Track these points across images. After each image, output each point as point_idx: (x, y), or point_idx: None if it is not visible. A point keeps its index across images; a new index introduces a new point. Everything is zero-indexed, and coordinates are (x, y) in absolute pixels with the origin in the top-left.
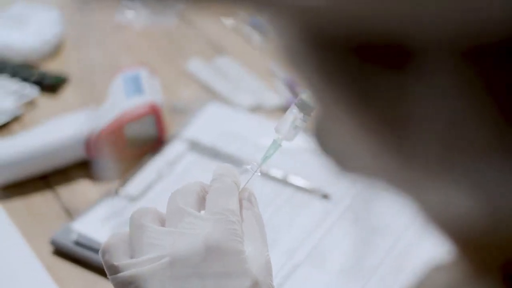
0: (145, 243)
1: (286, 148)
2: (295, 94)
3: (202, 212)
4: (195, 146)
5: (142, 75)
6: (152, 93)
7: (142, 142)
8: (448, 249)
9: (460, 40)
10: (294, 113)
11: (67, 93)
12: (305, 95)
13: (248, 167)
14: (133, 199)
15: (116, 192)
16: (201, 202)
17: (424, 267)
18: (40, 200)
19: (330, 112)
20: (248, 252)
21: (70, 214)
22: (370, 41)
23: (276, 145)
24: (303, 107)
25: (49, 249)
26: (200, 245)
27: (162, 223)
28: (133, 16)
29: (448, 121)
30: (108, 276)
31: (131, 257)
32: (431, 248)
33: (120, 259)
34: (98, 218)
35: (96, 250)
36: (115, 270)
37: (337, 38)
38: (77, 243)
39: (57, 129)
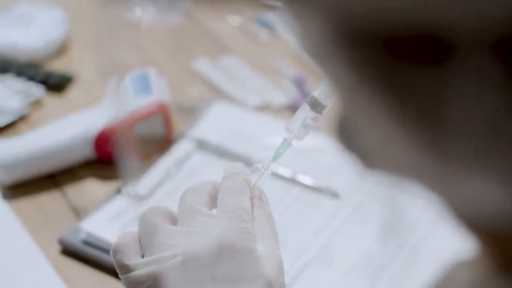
0: (157, 242)
1: (295, 146)
2: (302, 92)
3: (214, 210)
4: (203, 145)
5: (150, 74)
6: (160, 92)
7: (150, 141)
8: (472, 245)
9: (493, 31)
10: (305, 112)
11: (73, 92)
12: (317, 93)
13: (259, 165)
14: (141, 198)
15: (124, 191)
16: (213, 201)
17: (446, 264)
18: (48, 200)
19: (360, 108)
20: (260, 251)
21: (78, 213)
22: (407, 35)
23: (286, 144)
24: (314, 105)
25: (57, 248)
26: (213, 244)
27: (173, 222)
28: (140, 15)
29: (486, 117)
30: (119, 276)
31: (143, 257)
32: (453, 245)
33: (131, 259)
34: (106, 218)
35: (104, 250)
36: (127, 269)
37: (373, 32)
38: (85, 243)
39: (64, 128)
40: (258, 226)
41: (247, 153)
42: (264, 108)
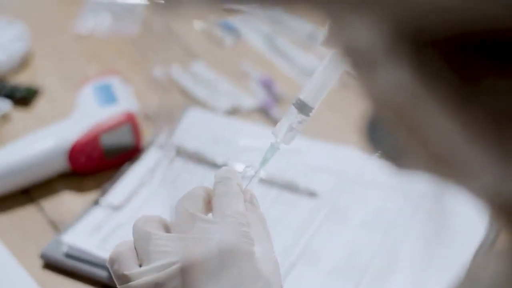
0: (153, 251)
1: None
2: (271, 94)
3: (209, 215)
4: (180, 152)
5: (113, 83)
6: (126, 101)
7: (118, 151)
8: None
9: None
10: (292, 115)
11: (40, 105)
12: (304, 95)
13: (249, 168)
14: (116, 208)
15: (101, 203)
16: (207, 206)
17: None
18: (24, 215)
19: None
20: (258, 254)
21: (56, 226)
22: (478, 37)
23: (274, 148)
24: (301, 108)
25: (39, 263)
26: (214, 249)
27: (167, 229)
28: (95, 25)
29: None
30: (118, 286)
31: (140, 266)
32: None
33: (129, 268)
34: (86, 229)
35: (88, 262)
36: (126, 279)
37: (447, 35)
38: (68, 255)
39: (37, 142)
40: (253, 229)
41: (223, 157)
42: (234, 112)
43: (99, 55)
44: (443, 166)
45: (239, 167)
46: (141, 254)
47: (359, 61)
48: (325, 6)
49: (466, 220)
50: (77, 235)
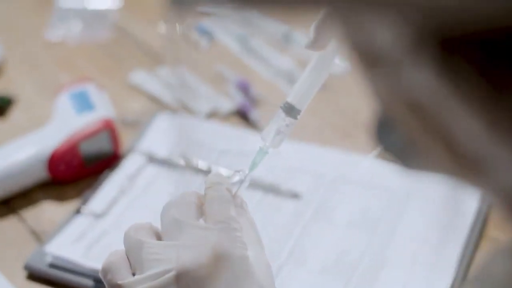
0: (145, 259)
1: (250, 151)
2: (248, 97)
3: (201, 220)
4: (153, 159)
5: (89, 90)
6: (103, 108)
7: (98, 158)
8: None
9: None
10: (280, 119)
11: (15, 114)
12: (291, 98)
13: (238, 173)
14: (98, 216)
15: (79, 211)
16: (199, 212)
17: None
18: (5, 226)
19: (439, 109)
20: (251, 258)
21: (38, 236)
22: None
23: (262, 152)
24: (289, 111)
25: (23, 274)
26: (208, 256)
27: (158, 237)
28: (66, 32)
29: None
30: None
31: (134, 275)
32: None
33: (124, 277)
34: (70, 238)
35: (73, 271)
36: None
37: (475, 34)
38: (52, 266)
39: (15, 151)
40: (245, 233)
41: (199, 161)
42: (212, 115)
43: (71, 62)
44: (465, 165)
45: (222, 171)
46: (134, 263)
47: (377, 61)
48: (341, 6)
49: (455, 212)
50: (61, 245)
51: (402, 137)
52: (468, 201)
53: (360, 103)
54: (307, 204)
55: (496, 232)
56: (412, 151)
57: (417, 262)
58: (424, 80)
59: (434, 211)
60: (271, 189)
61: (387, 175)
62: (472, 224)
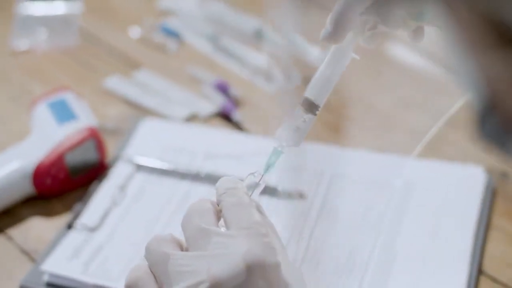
0: (173, 271)
1: (248, 152)
2: (228, 97)
3: (222, 229)
4: (141, 167)
5: (68, 99)
6: (85, 116)
7: (84, 169)
8: None
9: None
10: (298, 116)
11: None
12: (309, 93)
13: (255, 173)
14: (92, 229)
15: (71, 226)
16: (217, 219)
17: None
18: None
19: None
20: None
21: (29, 255)
22: None
23: (277, 152)
24: (309, 107)
25: None
26: (240, 264)
27: (181, 248)
28: (31, 40)
29: None
30: None
31: None
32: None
33: None
34: (65, 255)
35: None
36: None
37: None
38: (50, 285)
39: None
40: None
41: (187, 166)
42: (192, 118)
43: (41, 71)
44: None
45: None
46: (160, 277)
47: (496, 38)
48: None
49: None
50: (57, 262)
51: (506, 124)
52: (473, 190)
53: (346, 97)
54: (311, 204)
55: (501, 221)
56: None
57: (428, 256)
58: None
59: (438, 202)
60: (275, 191)
61: (385, 169)
62: (479, 213)
